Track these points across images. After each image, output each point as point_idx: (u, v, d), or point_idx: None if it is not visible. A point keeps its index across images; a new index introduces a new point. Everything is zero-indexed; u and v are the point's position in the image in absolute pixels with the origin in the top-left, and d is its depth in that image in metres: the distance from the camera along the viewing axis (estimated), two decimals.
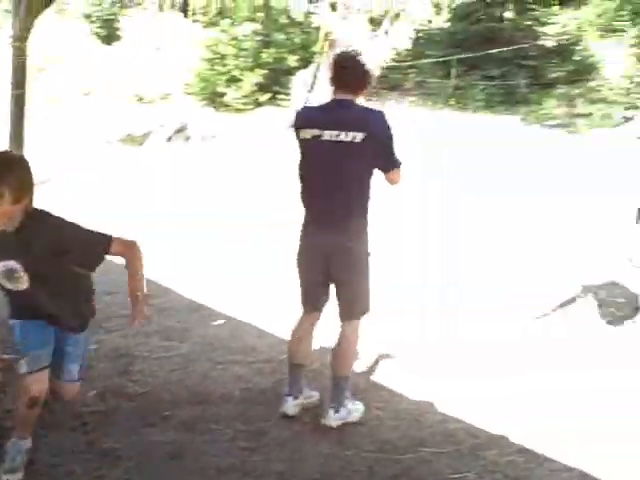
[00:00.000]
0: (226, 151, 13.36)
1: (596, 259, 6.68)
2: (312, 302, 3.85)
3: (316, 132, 3.51)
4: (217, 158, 12.60)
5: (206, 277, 6.50)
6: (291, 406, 3.85)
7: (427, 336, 5.07)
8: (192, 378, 4.38)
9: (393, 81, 21.04)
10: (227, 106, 19.86)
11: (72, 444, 3.50)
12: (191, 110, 16.16)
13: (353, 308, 3.78)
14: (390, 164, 3.62)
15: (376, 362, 4.71)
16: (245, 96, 19.92)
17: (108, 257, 2.95)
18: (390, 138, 3.56)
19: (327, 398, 3.88)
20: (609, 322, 5.49)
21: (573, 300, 5.85)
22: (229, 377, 4.26)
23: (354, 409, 3.87)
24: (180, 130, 15.24)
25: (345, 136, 3.44)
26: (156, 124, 15.40)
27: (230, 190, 9.93)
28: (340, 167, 3.50)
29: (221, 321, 5.38)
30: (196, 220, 8.33)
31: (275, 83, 19.94)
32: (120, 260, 2.99)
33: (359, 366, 4.54)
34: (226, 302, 5.76)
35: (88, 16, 25.50)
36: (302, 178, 3.71)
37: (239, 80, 20.42)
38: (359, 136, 3.43)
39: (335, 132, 3.46)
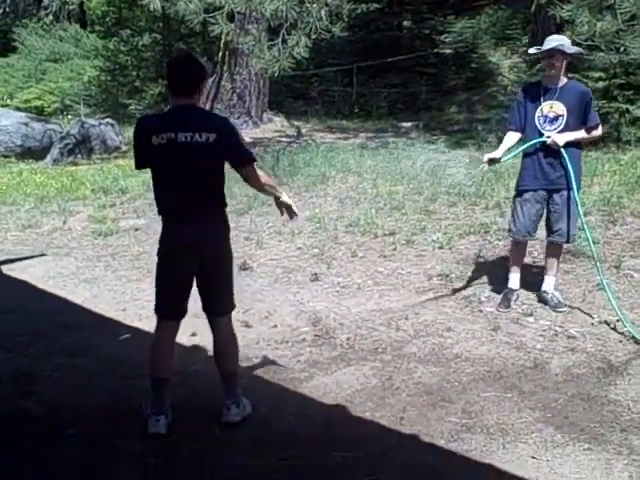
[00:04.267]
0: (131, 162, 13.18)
1: None
2: (172, 310, 3.85)
3: (171, 135, 3.59)
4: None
5: (110, 291, 6.40)
6: (163, 426, 3.76)
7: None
8: (98, 395, 4.30)
9: (297, 90, 21.22)
10: (131, 117, 19.55)
11: None
12: (93, 121, 15.74)
13: (225, 302, 3.85)
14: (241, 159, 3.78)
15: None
16: (149, 107, 19.67)
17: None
18: (239, 138, 3.83)
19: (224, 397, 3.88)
20: None
21: None
22: (136, 392, 4.18)
23: (247, 403, 3.94)
24: (82, 142, 14.88)
25: (199, 137, 3.58)
26: (57, 137, 15.00)
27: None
28: (196, 166, 3.63)
29: (127, 335, 5.30)
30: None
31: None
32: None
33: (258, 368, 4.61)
34: (132, 315, 5.70)
35: None
36: (159, 181, 3.76)
37: (142, 91, 20.17)
38: (212, 136, 3.59)
39: (190, 134, 3.58)
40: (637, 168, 9.13)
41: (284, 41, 9.43)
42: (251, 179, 3.85)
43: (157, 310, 3.88)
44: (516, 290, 5.55)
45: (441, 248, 6.86)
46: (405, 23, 21.54)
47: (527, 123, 5.31)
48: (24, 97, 21.80)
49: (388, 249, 6.98)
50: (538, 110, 5.24)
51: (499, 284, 5.84)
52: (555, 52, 5.13)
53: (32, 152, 14.70)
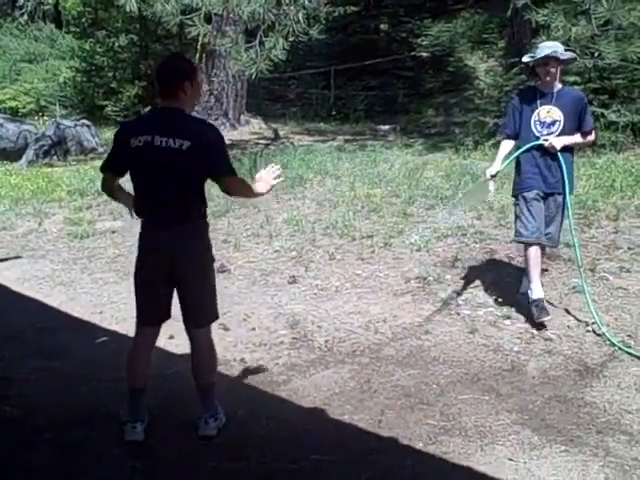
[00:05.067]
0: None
1: None
2: (149, 316, 3.78)
3: (148, 138, 3.53)
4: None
5: (87, 293, 6.35)
6: (140, 433, 3.74)
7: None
8: (74, 398, 4.26)
9: (275, 92, 21.21)
10: (107, 119, 19.39)
11: None
12: (69, 123, 15.61)
13: (201, 315, 3.77)
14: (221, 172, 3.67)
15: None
16: (125, 109, 19.52)
17: None
18: (219, 148, 3.65)
19: (199, 409, 3.82)
20: None
21: None
22: (113, 395, 4.14)
23: (222, 416, 3.88)
24: (58, 143, 14.75)
25: (173, 143, 3.50)
26: (32, 138, 14.85)
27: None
28: (169, 172, 3.54)
29: (104, 338, 5.26)
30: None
31: (156, 95, 19.70)
32: None
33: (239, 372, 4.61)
34: (109, 318, 5.65)
35: None
36: (136, 184, 3.69)
37: (118, 92, 20.01)
38: (186, 144, 3.50)
39: (165, 139, 3.50)
40: (612, 172, 9.23)
41: (261, 43, 9.43)
42: (232, 191, 3.81)
43: (136, 314, 3.80)
44: (543, 298, 5.21)
45: (419, 251, 6.88)
46: (382, 26, 21.60)
47: (522, 128, 5.29)
48: None
49: (366, 252, 6.99)
50: (535, 114, 5.22)
51: (476, 286, 5.88)
52: (549, 59, 5.12)
53: (7, 153, 14.57)
